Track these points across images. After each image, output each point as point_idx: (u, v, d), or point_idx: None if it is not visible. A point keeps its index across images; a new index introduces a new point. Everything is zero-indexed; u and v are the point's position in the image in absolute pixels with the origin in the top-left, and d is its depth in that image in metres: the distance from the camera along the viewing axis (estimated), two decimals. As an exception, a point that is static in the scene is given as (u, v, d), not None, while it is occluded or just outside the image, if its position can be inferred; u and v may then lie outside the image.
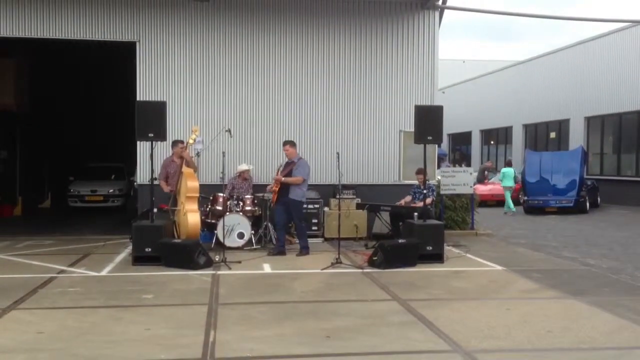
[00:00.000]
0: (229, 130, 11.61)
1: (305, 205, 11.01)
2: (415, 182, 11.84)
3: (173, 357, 5.30)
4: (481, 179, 24.74)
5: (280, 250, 10.49)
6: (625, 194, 21.69)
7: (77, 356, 5.31)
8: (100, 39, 12.56)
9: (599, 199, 21.45)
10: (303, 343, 5.70)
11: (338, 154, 10.55)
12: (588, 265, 10.03)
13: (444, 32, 75.25)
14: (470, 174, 13.78)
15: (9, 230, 13.47)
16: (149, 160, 10.04)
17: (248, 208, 11.20)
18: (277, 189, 10.49)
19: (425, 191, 10.72)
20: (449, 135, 38.06)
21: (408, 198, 11.83)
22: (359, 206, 12.17)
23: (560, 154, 22.18)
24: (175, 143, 11.07)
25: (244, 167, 11.77)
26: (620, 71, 22.50)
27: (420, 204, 11.06)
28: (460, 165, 17.45)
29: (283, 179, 10.34)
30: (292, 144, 10.76)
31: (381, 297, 7.57)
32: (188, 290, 7.91)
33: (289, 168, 10.52)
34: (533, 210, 19.67)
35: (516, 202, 21.96)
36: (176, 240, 9.88)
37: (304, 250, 10.48)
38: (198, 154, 11.59)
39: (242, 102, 12.86)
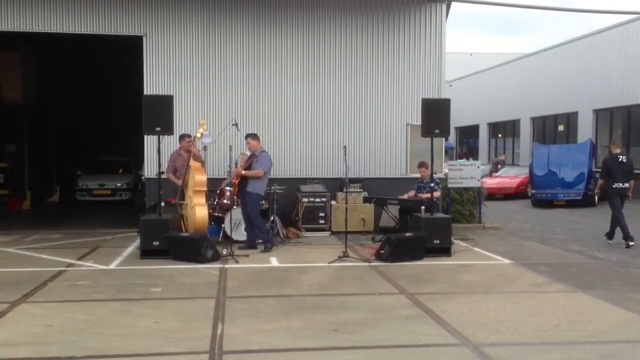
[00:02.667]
0: (236, 124, 11.60)
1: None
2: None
3: (181, 350, 5.32)
4: (494, 172, 24.79)
5: (250, 245, 10.37)
6: (634, 187, 21.51)
7: (86, 349, 5.34)
8: (106, 34, 12.57)
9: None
10: (310, 336, 5.71)
11: (345, 147, 10.54)
12: (596, 259, 10.00)
13: (451, 24, 74.76)
14: (478, 167, 13.73)
15: (18, 224, 13.56)
16: (156, 154, 10.05)
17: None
18: (236, 181, 10.48)
19: (432, 184, 10.69)
20: (456, 128, 37.90)
21: (412, 193, 11.77)
22: (366, 200, 12.16)
23: (569, 146, 22.06)
24: (182, 137, 11.07)
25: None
26: (629, 64, 22.32)
27: (424, 196, 11.06)
28: (468, 159, 17.43)
29: (243, 171, 10.29)
30: (253, 136, 10.65)
31: (388, 291, 7.58)
32: (196, 283, 7.94)
33: (250, 161, 10.48)
34: (541, 203, 19.60)
35: (524, 196, 21.93)
36: (184, 234, 9.91)
37: (268, 244, 10.21)
38: (205, 148, 11.59)
39: (249, 95, 12.85)
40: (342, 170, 10.66)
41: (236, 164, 11.05)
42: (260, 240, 10.40)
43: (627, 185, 11.41)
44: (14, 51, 16.90)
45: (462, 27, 75.73)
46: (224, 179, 11.54)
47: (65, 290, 7.55)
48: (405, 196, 11.73)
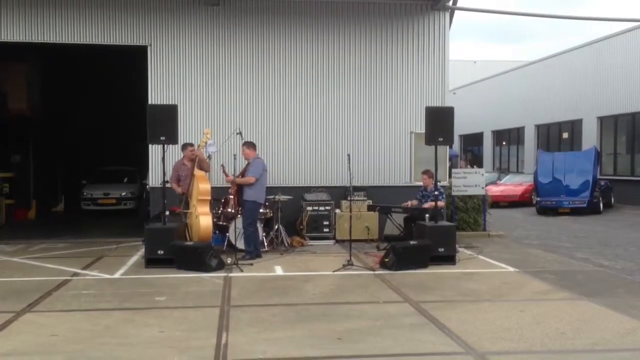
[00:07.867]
0: (240, 133, 11.64)
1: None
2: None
3: (186, 359, 5.32)
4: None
5: (255, 254, 10.28)
6: (639, 194, 21.49)
7: (91, 358, 5.35)
8: (111, 44, 12.64)
9: (612, 200, 21.28)
10: (314, 345, 5.70)
11: (349, 155, 10.56)
12: (602, 266, 9.96)
13: (455, 32, 74.82)
14: (482, 175, 13.71)
15: (24, 234, 13.60)
16: (160, 163, 10.09)
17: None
18: (234, 190, 10.52)
19: (436, 193, 10.67)
20: (460, 136, 37.89)
21: (414, 202, 11.71)
22: (370, 208, 12.15)
23: (573, 154, 22.01)
24: (184, 146, 11.09)
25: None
26: (634, 71, 22.30)
27: (427, 205, 11.02)
28: (472, 167, 17.39)
29: (235, 179, 10.33)
30: (248, 145, 10.57)
31: (393, 299, 7.56)
32: (200, 292, 7.94)
33: (245, 169, 10.53)
34: (546, 211, 19.55)
35: (529, 203, 21.88)
36: (188, 243, 9.91)
37: (247, 255, 10.07)
38: (209, 157, 11.62)
39: (253, 104, 12.90)
40: (346, 179, 10.67)
41: (226, 174, 11.06)
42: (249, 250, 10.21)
43: None
44: (20, 62, 17.01)
45: (467, 36, 75.88)
46: (230, 187, 11.53)
47: (70, 299, 7.56)
48: (409, 204, 11.71)
